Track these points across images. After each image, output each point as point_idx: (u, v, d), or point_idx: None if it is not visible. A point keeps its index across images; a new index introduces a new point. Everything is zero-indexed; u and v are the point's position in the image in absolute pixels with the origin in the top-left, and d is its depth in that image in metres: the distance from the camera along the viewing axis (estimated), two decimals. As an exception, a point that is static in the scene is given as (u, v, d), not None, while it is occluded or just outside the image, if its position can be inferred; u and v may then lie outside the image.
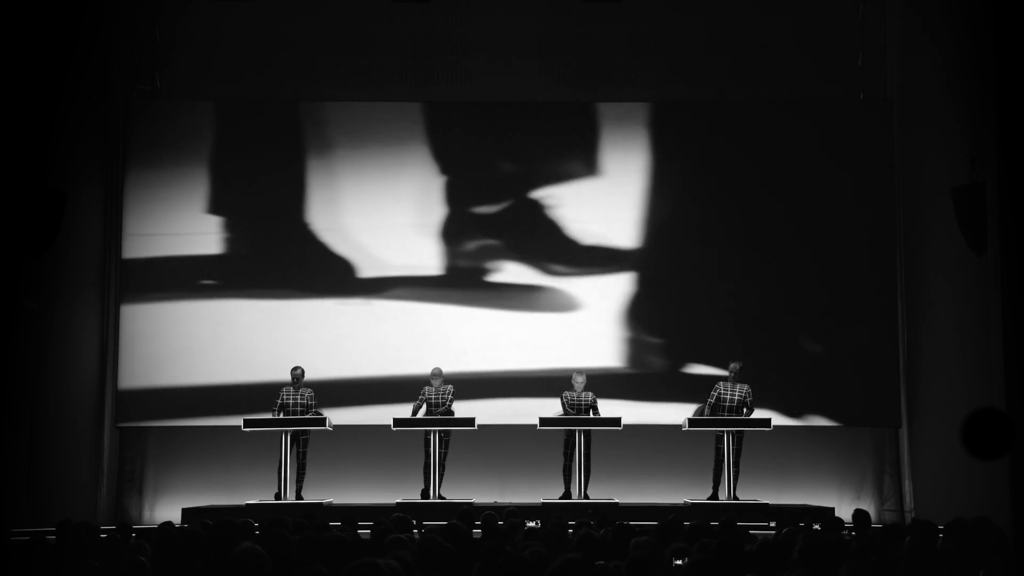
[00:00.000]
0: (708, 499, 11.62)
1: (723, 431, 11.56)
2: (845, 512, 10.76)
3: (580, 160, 13.06)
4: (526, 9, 13.09)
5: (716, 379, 11.89)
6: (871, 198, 12.98)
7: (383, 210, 12.98)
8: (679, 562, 5.14)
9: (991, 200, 10.26)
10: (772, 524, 10.08)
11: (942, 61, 11.80)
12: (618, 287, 12.91)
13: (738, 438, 11.60)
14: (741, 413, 11.63)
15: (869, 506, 12.61)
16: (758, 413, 11.68)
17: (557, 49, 13.29)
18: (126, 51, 13.05)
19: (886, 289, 12.89)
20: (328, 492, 12.02)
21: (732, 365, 11.77)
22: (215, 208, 12.98)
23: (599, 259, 12.96)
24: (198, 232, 12.92)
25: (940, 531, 6.91)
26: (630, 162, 13.06)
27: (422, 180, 13.02)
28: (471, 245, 12.95)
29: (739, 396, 11.65)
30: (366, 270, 12.94)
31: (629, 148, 13.08)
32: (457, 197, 13.03)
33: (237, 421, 11.63)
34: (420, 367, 12.13)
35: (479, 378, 12.62)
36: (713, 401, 11.70)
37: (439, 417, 11.62)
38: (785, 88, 13.34)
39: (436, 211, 12.99)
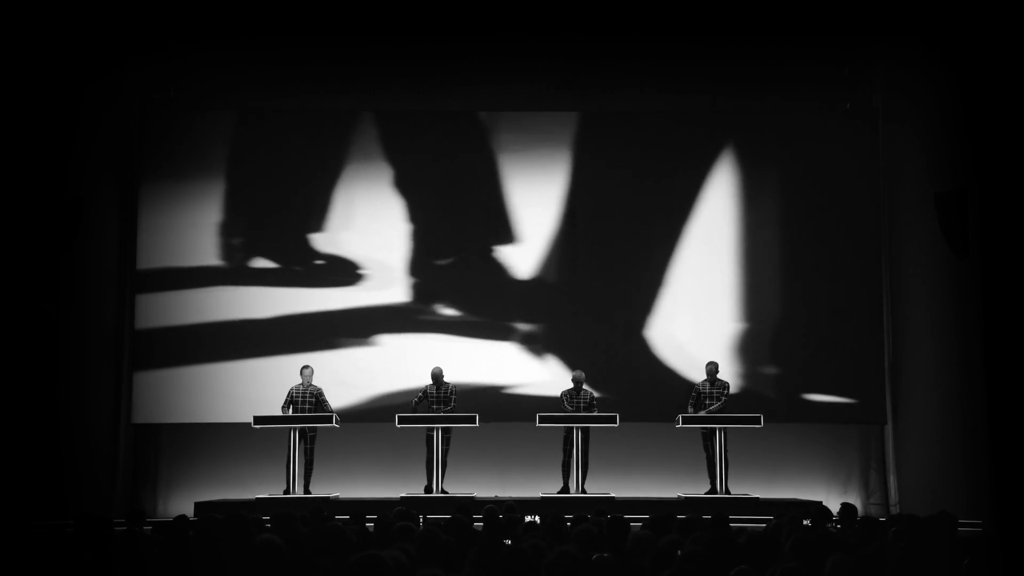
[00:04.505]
0: (706, 493, 11.62)
1: (711, 428, 11.60)
2: (833, 506, 10.77)
3: (567, 167, 13.06)
4: (521, 19, 13.05)
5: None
6: (857, 203, 13.00)
7: (392, 222, 13.02)
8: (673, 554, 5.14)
9: (973, 206, 10.28)
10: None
11: (926, 72, 11.81)
12: (611, 289, 12.95)
13: (724, 434, 11.62)
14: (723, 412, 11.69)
15: (855, 500, 12.63)
16: (752, 411, 11.72)
17: (549, 58, 13.24)
18: (141, 63, 13.04)
19: (871, 291, 12.91)
20: (335, 486, 12.03)
21: (709, 365, 11.85)
22: (227, 213, 12.99)
23: (591, 263, 12.99)
24: (211, 235, 12.93)
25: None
26: (621, 167, 13.06)
27: (428, 191, 13.07)
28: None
29: (717, 393, 11.71)
30: (375, 278, 12.96)
31: (621, 154, 13.09)
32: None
33: (248, 418, 11.64)
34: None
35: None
36: (695, 400, 11.76)
37: (442, 414, 11.64)
38: (774, 98, 13.35)
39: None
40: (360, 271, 12.95)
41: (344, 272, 12.94)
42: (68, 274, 11.71)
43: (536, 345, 12.83)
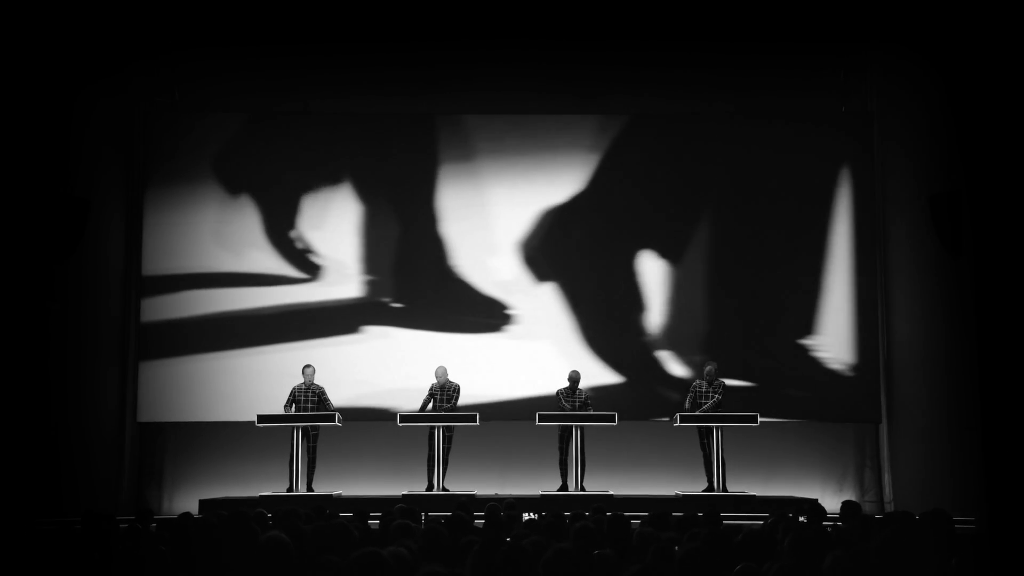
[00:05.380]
0: (703, 491, 11.61)
1: (707, 427, 11.61)
2: (827, 503, 10.79)
3: (567, 172, 13.06)
4: (522, 25, 13.03)
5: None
6: (852, 205, 13.02)
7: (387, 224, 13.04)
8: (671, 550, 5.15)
9: (966, 207, 10.29)
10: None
11: (919, 77, 11.84)
12: (608, 293, 12.97)
13: (720, 432, 11.62)
14: (718, 411, 11.68)
15: (850, 498, 12.63)
16: (748, 410, 11.74)
17: (549, 63, 13.23)
18: (146, 66, 13.06)
19: (867, 291, 12.92)
20: (337, 484, 12.03)
21: (707, 367, 11.86)
22: (231, 214, 13.01)
23: (591, 267, 13.01)
24: (216, 235, 12.95)
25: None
26: (615, 172, 13.08)
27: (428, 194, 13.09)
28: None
29: (713, 392, 11.71)
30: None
31: (620, 156, 13.10)
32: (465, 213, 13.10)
33: (251, 417, 11.65)
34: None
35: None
36: (691, 399, 11.77)
37: (443, 413, 11.64)
38: (771, 103, 13.36)
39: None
40: (360, 271, 12.97)
41: (345, 272, 12.97)
42: (75, 275, 11.71)
43: (533, 343, 12.85)
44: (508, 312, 12.92)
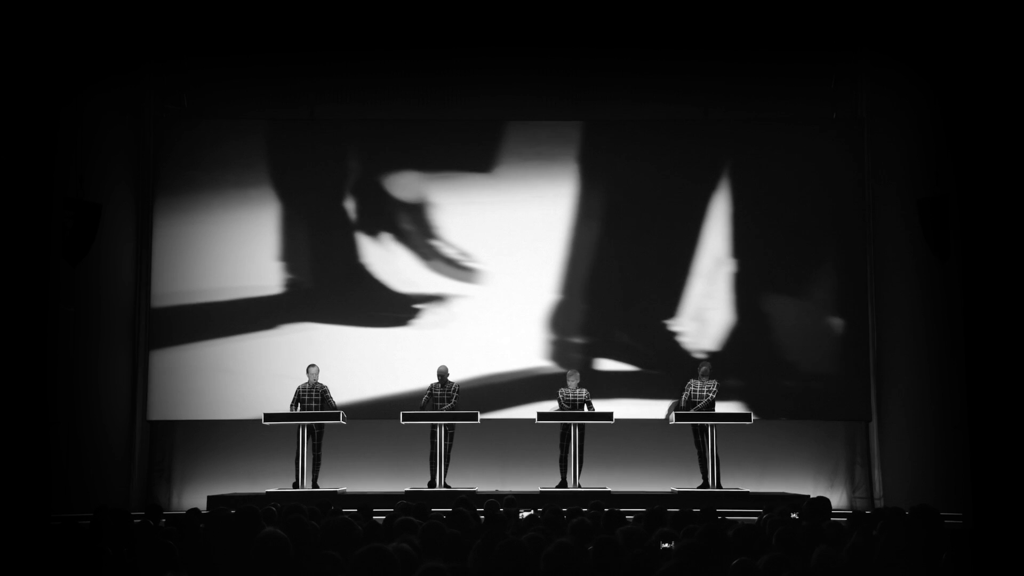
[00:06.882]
0: (698, 488, 11.61)
1: (703, 425, 11.61)
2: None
3: (565, 174, 13.07)
4: (521, 33, 13.04)
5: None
6: (842, 209, 13.03)
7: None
8: (666, 545, 5.16)
9: (954, 211, 10.31)
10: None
11: (908, 84, 11.86)
12: (612, 293, 12.98)
13: (714, 431, 11.62)
14: (711, 409, 11.67)
15: (842, 494, 12.68)
16: (743, 408, 11.75)
17: (549, 70, 13.22)
18: (157, 68, 13.06)
19: (857, 293, 12.93)
20: (342, 481, 12.04)
21: (702, 366, 11.86)
22: (242, 219, 13.02)
23: (592, 266, 13.02)
24: (223, 240, 12.96)
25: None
26: (611, 174, 13.08)
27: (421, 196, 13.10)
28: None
29: (707, 391, 11.70)
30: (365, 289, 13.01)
31: (611, 161, 13.11)
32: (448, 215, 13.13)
33: (258, 415, 11.67)
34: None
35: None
36: (686, 398, 11.76)
37: (444, 411, 11.66)
38: (764, 110, 13.37)
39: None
40: (365, 274, 12.99)
41: (350, 276, 12.98)
42: (87, 277, 11.73)
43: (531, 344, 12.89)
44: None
